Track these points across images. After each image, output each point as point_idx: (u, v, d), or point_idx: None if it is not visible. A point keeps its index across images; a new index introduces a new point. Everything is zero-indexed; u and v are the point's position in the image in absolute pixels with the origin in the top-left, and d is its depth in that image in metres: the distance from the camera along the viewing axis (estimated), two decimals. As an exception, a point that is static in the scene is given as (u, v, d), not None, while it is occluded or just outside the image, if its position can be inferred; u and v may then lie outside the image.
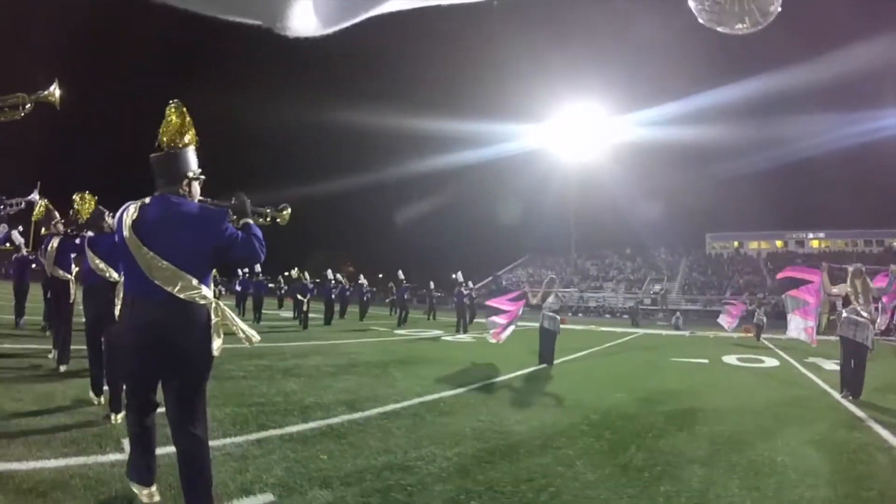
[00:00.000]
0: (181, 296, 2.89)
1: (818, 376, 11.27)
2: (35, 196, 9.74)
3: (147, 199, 3.07)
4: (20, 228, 12.47)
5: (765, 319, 24.17)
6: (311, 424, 5.35)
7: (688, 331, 28.81)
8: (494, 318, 11.90)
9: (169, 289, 2.88)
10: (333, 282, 23.63)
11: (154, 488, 3.13)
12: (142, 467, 3.12)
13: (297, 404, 6.25)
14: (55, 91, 4.05)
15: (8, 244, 11.49)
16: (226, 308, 3.16)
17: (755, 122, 57.38)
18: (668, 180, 62.43)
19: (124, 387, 3.61)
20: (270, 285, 26.95)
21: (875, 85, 49.76)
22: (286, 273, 25.67)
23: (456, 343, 16.16)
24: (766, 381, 10.88)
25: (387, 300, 32.75)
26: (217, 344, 3.03)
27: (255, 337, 3.27)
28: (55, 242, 7.50)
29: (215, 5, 1.25)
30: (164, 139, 3.09)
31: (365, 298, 25.54)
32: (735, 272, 58.00)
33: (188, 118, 3.14)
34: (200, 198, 3.22)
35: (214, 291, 3.17)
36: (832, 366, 12.44)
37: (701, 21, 1.44)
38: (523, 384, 9.08)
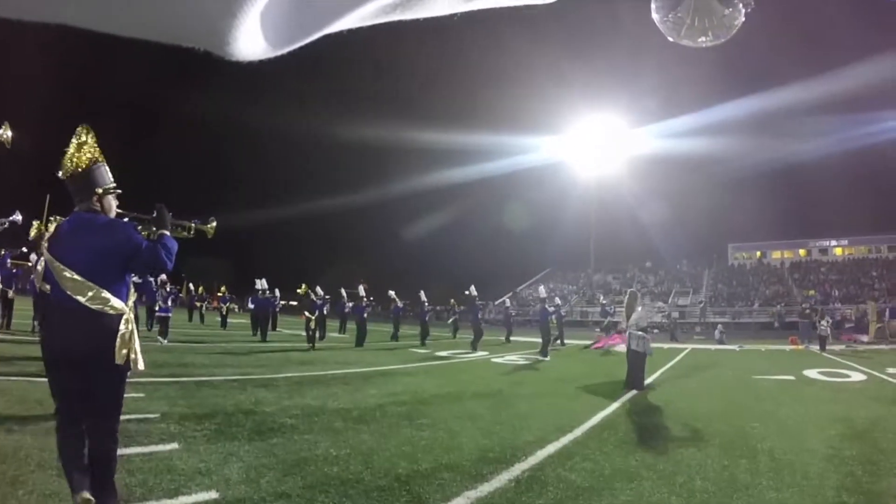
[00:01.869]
0: (91, 305, 3.01)
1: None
2: (17, 216, 10.37)
3: (66, 218, 3.29)
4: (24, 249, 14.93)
5: (829, 331, 22.33)
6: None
7: (735, 345, 26.75)
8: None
9: (79, 298, 3.00)
10: (366, 300, 21.45)
11: (87, 493, 2.95)
12: (73, 475, 3.02)
13: (389, 474, 4.31)
14: (5, 132, 4.19)
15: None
16: (133, 324, 3.17)
17: (772, 131, 55.95)
18: (687, 192, 60.96)
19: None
20: (283, 302, 25.02)
21: (887, 86, 48.25)
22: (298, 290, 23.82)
23: (508, 366, 14.04)
24: (881, 399, 9.47)
25: (449, 321, 29.72)
26: (124, 352, 3.06)
27: (140, 366, 3.18)
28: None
29: (155, 31, 1.04)
30: (72, 161, 3.16)
31: (427, 318, 22.56)
32: (760, 282, 55.91)
33: (91, 139, 3.21)
34: (120, 211, 3.40)
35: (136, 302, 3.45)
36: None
37: (666, 36, 1.37)
38: (640, 419, 7.36)
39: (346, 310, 24.53)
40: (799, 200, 62.04)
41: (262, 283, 20.99)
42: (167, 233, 3.43)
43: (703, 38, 1.38)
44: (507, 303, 27.72)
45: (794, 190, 61.09)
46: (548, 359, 16.28)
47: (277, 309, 23.86)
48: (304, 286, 19.56)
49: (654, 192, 60.65)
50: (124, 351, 3.07)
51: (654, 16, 1.40)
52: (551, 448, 5.33)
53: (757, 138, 55.12)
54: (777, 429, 6.74)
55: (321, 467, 4.39)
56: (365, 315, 20.16)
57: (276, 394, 7.78)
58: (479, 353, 17.42)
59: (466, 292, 22.41)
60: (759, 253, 65.41)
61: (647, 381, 10.54)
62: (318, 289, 19.48)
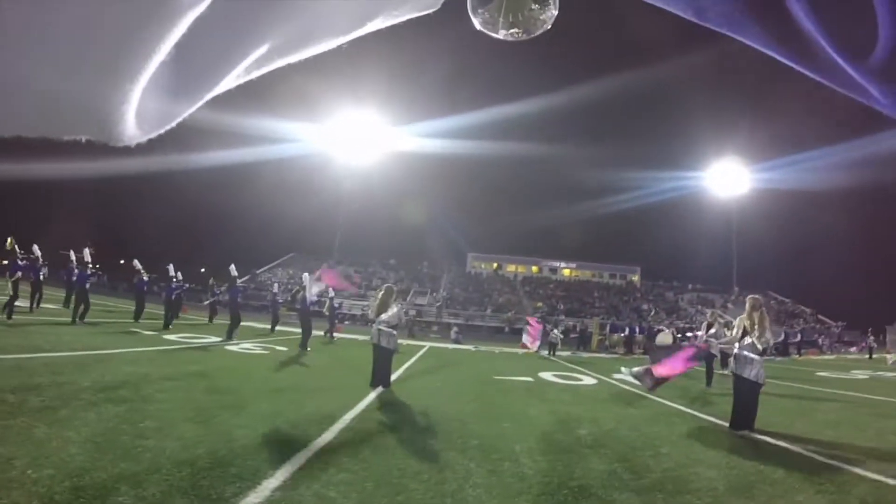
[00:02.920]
0: None
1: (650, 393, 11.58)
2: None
3: None
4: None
5: (561, 337, 25.00)
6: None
7: (471, 345, 28.27)
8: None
9: None
10: (91, 267, 17.71)
11: None
12: None
13: (94, 488, 3.31)
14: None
15: None
16: None
17: (521, 153, 61.78)
18: (436, 200, 64.20)
19: None
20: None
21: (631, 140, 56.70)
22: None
23: (247, 357, 12.97)
24: (616, 401, 10.47)
25: (205, 302, 25.32)
26: None
27: None
28: None
29: (36, 130, 1.03)
30: None
31: (174, 297, 19.48)
32: (494, 291, 60.19)
33: None
34: None
35: None
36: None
37: (477, 27, 1.45)
38: (392, 420, 6.97)
39: (73, 277, 20.43)
40: (536, 225, 70.40)
41: None
42: None
43: (515, 31, 1.43)
44: (275, 288, 25.69)
45: (534, 215, 68.79)
46: (308, 350, 15.54)
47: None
48: (9, 240, 15.98)
49: (405, 194, 62.95)
50: None
51: (469, 12, 1.44)
52: (301, 458, 4.63)
53: (507, 157, 60.04)
54: (531, 430, 6.78)
55: (14, 498, 3.23)
56: (87, 285, 16.86)
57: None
58: (212, 340, 15.84)
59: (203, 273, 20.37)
60: (495, 264, 70.83)
61: (393, 377, 10.30)
62: (36, 247, 16.34)
